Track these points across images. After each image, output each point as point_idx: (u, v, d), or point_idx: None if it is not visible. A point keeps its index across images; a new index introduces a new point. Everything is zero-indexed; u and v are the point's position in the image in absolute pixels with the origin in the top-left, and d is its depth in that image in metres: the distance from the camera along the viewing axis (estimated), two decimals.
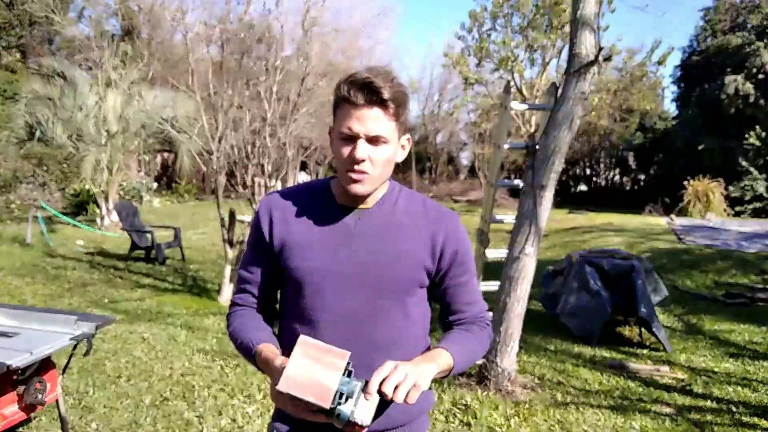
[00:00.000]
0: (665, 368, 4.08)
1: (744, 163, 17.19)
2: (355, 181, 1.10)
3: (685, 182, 15.15)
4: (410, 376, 0.99)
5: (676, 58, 23.09)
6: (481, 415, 3.15)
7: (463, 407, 3.26)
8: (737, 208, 16.22)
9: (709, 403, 3.49)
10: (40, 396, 2.34)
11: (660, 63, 12.22)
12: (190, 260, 8.32)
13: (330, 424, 0.99)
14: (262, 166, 6.01)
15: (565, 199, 19.65)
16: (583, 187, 25.72)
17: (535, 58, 12.09)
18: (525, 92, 11.86)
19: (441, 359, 1.11)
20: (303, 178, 18.35)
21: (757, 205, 16.84)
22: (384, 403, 1.02)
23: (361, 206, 1.17)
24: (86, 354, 2.48)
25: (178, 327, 4.73)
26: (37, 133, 10.96)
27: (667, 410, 3.35)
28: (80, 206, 12.73)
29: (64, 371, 2.63)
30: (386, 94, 1.06)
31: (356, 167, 1.09)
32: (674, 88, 22.48)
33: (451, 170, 24.77)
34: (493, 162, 4.26)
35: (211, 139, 5.90)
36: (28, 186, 12.95)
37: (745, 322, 5.44)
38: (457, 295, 1.23)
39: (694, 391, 3.69)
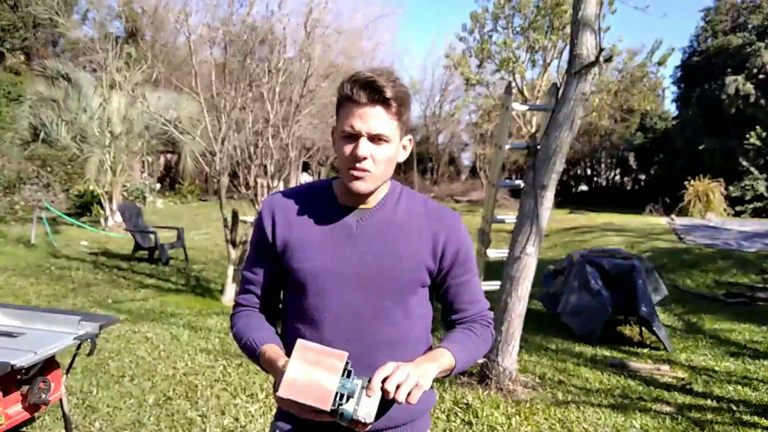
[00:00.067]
0: (666, 367, 4.09)
1: (744, 163, 17.18)
2: (357, 179, 1.11)
3: (686, 182, 15.15)
4: (412, 376, 1.00)
5: (676, 59, 23.10)
6: (482, 414, 3.16)
7: (465, 406, 3.28)
8: (737, 208, 16.22)
9: (709, 401, 3.50)
10: (44, 396, 2.34)
11: (660, 63, 12.24)
12: (193, 261, 8.36)
13: (333, 423, 1.01)
14: (265, 166, 6.04)
15: (566, 199, 19.65)
16: (583, 187, 25.73)
17: (536, 59, 12.12)
18: (526, 93, 11.89)
19: (443, 359, 1.12)
20: (305, 178, 18.39)
21: (758, 204, 16.85)
22: (386, 403, 1.03)
23: (363, 206, 1.18)
24: (90, 354, 2.48)
25: (181, 327, 4.75)
26: (42, 135, 11.02)
27: (668, 409, 3.36)
28: (84, 207, 12.79)
29: (67, 371, 2.64)
30: (389, 93, 1.08)
31: (358, 165, 1.10)
32: (674, 88, 22.54)
33: (453, 171, 24.77)
34: (495, 162, 4.27)
35: (214, 140, 5.93)
36: (32, 187, 13.03)
37: (746, 322, 5.44)
38: (459, 295, 1.23)
39: (694, 389, 3.69)
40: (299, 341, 1.02)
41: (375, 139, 1.10)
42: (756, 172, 17.14)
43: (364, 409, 0.98)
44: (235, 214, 6.11)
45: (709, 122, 18.29)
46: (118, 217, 10.73)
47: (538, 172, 3.49)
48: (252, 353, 1.17)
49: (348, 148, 1.11)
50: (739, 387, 3.75)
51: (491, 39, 11.92)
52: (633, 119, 20.60)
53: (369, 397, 0.99)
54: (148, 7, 17.52)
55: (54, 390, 2.44)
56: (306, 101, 6.28)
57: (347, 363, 1.00)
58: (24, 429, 2.75)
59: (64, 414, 2.58)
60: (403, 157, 1.20)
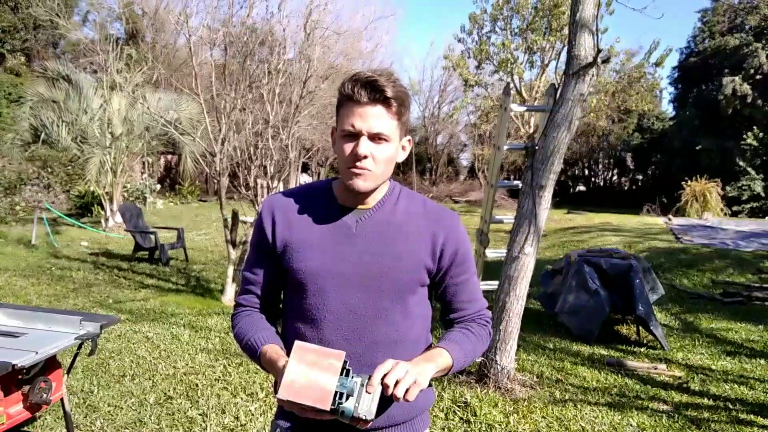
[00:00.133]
0: (662, 366, 4.10)
1: (741, 164, 17.26)
2: (357, 177, 1.12)
3: (683, 182, 15.19)
4: (411, 373, 1.01)
5: (673, 60, 23.22)
6: (480, 413, 3.18)
7: (463, 404, 3.29)
8: (734, 208, 16.29)
9: (706, 400, 3.51)
10: (45, 395, 2.34)
11: (658, 64, 12.31)
12: (193, 261, 8.39)
13: (332, 421, 1.02)
14: (265, 167, 6.06)
15: (563, 199, 19.70)
16: (581, 188, 25.80)
17: (534, 60, 12.19)
18: (524, 94, 11.94)
19: (440, 358, 1.13)
20: (305, 179, 18.42)
21: (755, 204, 16.93)
22: (386, 402, 1.04)
23: (362, 207, 1.19)
24: (91, 353, 2.49)
25: (182, 327, 4.77)
26: (42, 136, 11.05)
27: (665, 407, 3.37)
28: (85, 208, 12.82)
29: (68, 371, 2.65)
30: (389, 93, 1.09)
31: (358, 164, 1.11)
32: (672, 89, 22.64)
33: (451, 171, 24.80)
34: (493, 163, 4.30)
35: (214, 141, 5.96)
36: (32, 188, 13.06)
37: (742, 321, 5.46)
38: (457, 294, 1.24)
39: (691, 388, 3.71)
40: (297, 343, 1.04)
41: (375, 138, 1.11)
42: (753, 173, 17.22)
43: (365, 406, 0.99)
44: (235, 215, 6.13)
45: (706, 123, 18.37)
46: (119, 218, 10.76)
47: (536, 172, 3.51)
48: (253, 353, 1.18)
49: (348, 147, 1.11)
50: (736, 386, 3.77)
51: (490, 40, 11.98)
52: (630, 120, 20.67)
53: (369, 393, 1.00)
54: (149, 8, 17.56)
55: (55, 390, 2.44)
56: (305, 102, 6.30)
57: (345, 362, 1.01)
58: (25, 428, 2.77)
59: (65, 413, 2.58)
60: (402, 157, 1.21)
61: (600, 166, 26.03)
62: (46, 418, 2.91)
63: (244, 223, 6.30)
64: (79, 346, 2.49)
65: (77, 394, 3.24)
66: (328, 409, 0.97)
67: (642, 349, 4.58)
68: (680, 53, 21.54)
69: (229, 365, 3.85)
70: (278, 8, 6.24)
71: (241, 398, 3.31)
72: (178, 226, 9.45)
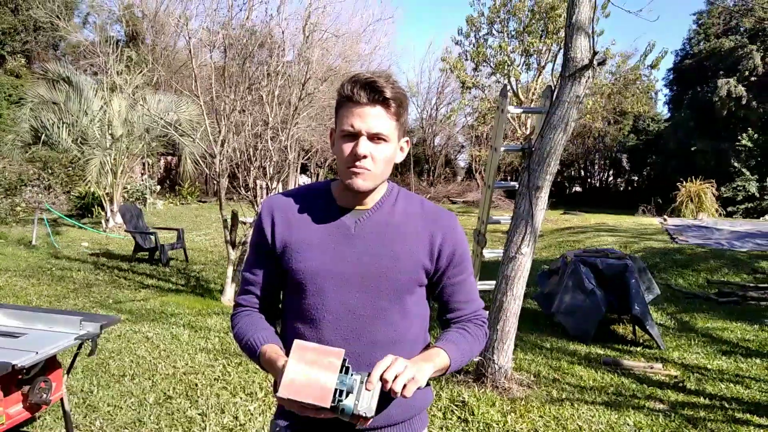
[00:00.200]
0: (659, 365, 4.12)
1: (736, 165, 17.35)
2: (356, 176, 1.13)
3: (678, 183, 15.24)
4: (409, 369, 1.03)
5: (669, 62, 23.29)
6: (478, 412, 3.19)
7: (461, 404, 3.31)
8: (729, 209, 16.35)
9: (702, 399, 3.53)
10: (44, 395, 2.35)
11: (653, 66, 12.37)
12: (193, 261, 8.41)
13: (331, 420, 1.03)
14: (264, 168, 6.09)
15: (560, 199, 19.75)
16: (577, 188, 25.87)
17: (530, 63, 12.24)
18: (521, 96, 12.00)
19: (438, 358, 1.14)
20: (304, 180, 18.46)
21: (749, 205, 17.02)
22: (385, 400, 1.05)
23: (361, 207, 1.20)
24: (91, 354, 2.50)
25: (182, 327, 4.78)
26: (43, 137, 11.09)
27: (661, 406, 3.39)
28: (85, 209, 12.84)
29: (68, 371, 2.66)
30: (388, 93, 1.10)
31: (358, 163, 1.11)
32: (667, 91, 22.75)
33: (449, 172, 24.82)
34: (490, 164, 4.32)
35: (213, 143, 5.98)
36: (33, 189, 13.09)
37: (737, 320, 5.49)
38: (454, 294, 1.25)
39: (687, 387, 3.73)
40: (296, 341, 1.05)
41: (374, 138, 1.12)
42: (747, 173, 17.31)
43: (364, 403, 1.00)
44: (234, 216, 6.16)
45: (701, 124, 18.46)
46: (119, 219, 10.79)
47: (532, 173, 3.54)
48: (252, 353, 1.18)
49: (348, 147, 1.12)
50: (731, 385, 3.79)
51: (487, 43, 12.05)
52: (626, 121, 20.75)
53: (368, 390, 1.01)
54: (149, 11, 17.60)
55: (55, 390, 2.45)
56: (304, 104, 6.33)
57: (345, 360, 1.02)
58: (25, 429, 2.78)
59: (64, 413, 2.59)
60: (400, 158, 1.22)
61: (596, 167, 26.12)
62: (45, 418, 2.92)
63: (244, 223, 6.33)
64: (79, 347, 2.50)
65: (77, 394, 3.25)
66: (328, 406, 0.97)
67: (638, 349, 4.60)
68: (675, 55, 21.67)
69: (228, 365, 3.86)
70: (277, 11, 6.29)
71: (241, 398, 3.33)
72: (178, 226, 9.48)
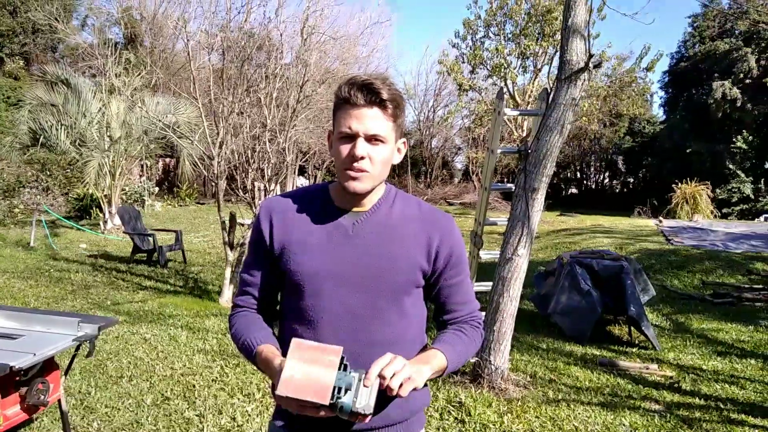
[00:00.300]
0: (654, 366, 4.14)
1: (731, 166, 17.44)
2: (354, 179, 1.13)
3: (674, 185, 15.29)
4: (407, 368, 1.04)
5: (664, 64, 23.34)
6: (474, 413, 3.20)
7: (458, 405, 3.32)
8: (724, 210, 16.43)
9: (697, 400, 3.54)
10: (42, 397, 2.35)
11: (649, 69, 12.44)
12: (191, 263, 8.41)
13: (329, 419, 1.03)
14: (262, 170, 6.11)
15: (556, 201, 19.77)
16: (573, 190, 25.93)
17: (527, 65, 12.30)
18: (517, 98, 12.05)
19: (435, 360, 1.15)
20: (301, 182, 18.48)
21: (744, 206, 17.11)
22: (384, 400, 1.06)
23: (359, 209, 1.20)
24: (89, 355, 2.50)
25: (179, 328, 4.79)
26: (41, 139, 11.10)
27: (657, 407, 3.40)
28: (83, 210, 12.85)
29: (66, 372, 2.65)
30: (385, 95, 1.11)
31: (355, 165, 1.12)
32: (662, 93, 22.82)
33: (446, 174, 24.82)
34: (487, 166, 4.34)
35: (212, 145, 6.00)
36: (31, 191, 13.09)
37: (732, 321, 5.51)
38: (451, 296, 1.25)
39: (682, 388, 3.74)
40: (294, 340, 1.05)
41: (372, 139, 1.12)
42: (742, 175, 17.40)
43: (363, 400, 1.00)
44: (232, 217, 6.17)
45: (696, 126, 18.56)
46: (117, 220, 10.79)
47: (529, 175, 3.56)
48: (249, 353, 1.19)
49: (345, 149, 1.13)
50: (727, 385, 3.81)
51: (483, 45, 12.11)
52: (622, 123, 20.83)
53: (366, 387, 1.01)
54: (147, 13, 17.62)
55: (53, 391, 2.45)
56: (302, 106, 6.35)
57: (343, 357, 1.03)
58: (22, 430, 2.77)
59: (62, 415, 2.59)
60: (398, 159, 1.23)
61: (592, 169, 26.20)
62: (43, 420, 2.92)
63: (242, 225, 6.34)
64: (77, 348, 2.50)
65: (75, 396, 3.25)
66: (327, 403, 0.97)
67: (634, 350, 4.62)
68: (671, 58, 21.76)
69: (226, 366, 3.87)
70: (275, 14, 6.32)
71: (238, 399, 3.33)
72: (176, 228, 9.48)
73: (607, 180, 26.07)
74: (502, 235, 3.77)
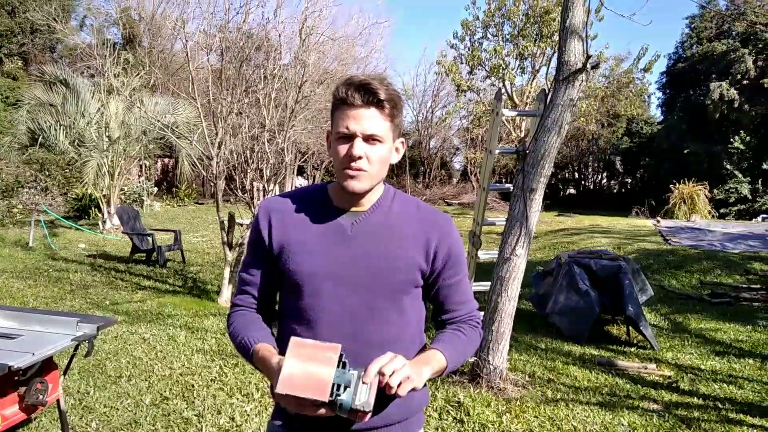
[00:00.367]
0: (652, 366, 4.15)
1: (729, 167, 17.49)
2: (352, 178, 1.14)
3: (671, 185, 15.32)
4: (407, 367, 1.04)
5: (662, 65, 23.41)
6: (473, 412, 3.20)
7: (456, 404, 3.32)
8: (722, 210, 16.46)
9: (695, 399, 3.55)
10: (41, 397, 2.34)
11: (646, 70, 12.44)
12: (190, 262, 8.41)
13: (328, 419, 1.03)
14: (261, 170, 6.11)
15: (554, 202, 19.81)
16: (571, 191, 25.99)
17: (525, 66, 12.32)
18: (515, 99, 12.06)
19: (435, 361, 1.15)
20: (300, 182, 18.49)
21: (741, 207, 17.16)
22: (383, 400, 1.06)
23: (358, 209, 1.20)
24: (87, 355, 2.50)
25: (178, 328, 4.79)
26: (40, 139, 11.09)
27: (655, 407, 3.41)
28: (82, 210, 12.84)
29: (65, 372, 2.65)
30: (382, 95, 1.12)
31: (353, 164, 1.12)
32: (660, 94, 22.88)
33: (444, 174, 24.84)
34: (485, 166, 4.35)
35: (210, 145, 6.00)
36: (30, 191, 13.09)
37: (730, 321, 5.52)
38: (449, 295, 1.26)
39: (681, 388, 3.75)
40: (293, 338, 1.06)
41: (369, 139, 1.13)
42: (740, 176, 17.46)
43: (362, 397, 1.00)
44: (231, 217, 6.17)
45: (694, 127, 18.62)
46: (116, 220, 10.79)
47: (527, 175, 3.56)
48: (246, 352, 1.19)
49: (343, 149, 1.13)
50: (725, 385, 3.82)
51: (482, 46, 12.11)
52: (619, 124, 20.89)
53: (365, 384, 1.02)
54: (146, 14, 17.61)
55: (51, 391, 2.44)
56: (301, 107, 6.36)
57: (341, 355, 1.03)
58: (20, 430, 2.77)
59: (60, 414, 2.59)
60: (396, 158, 1.23)
61: (590, 170, 26.27)
62: (41, 420, 2.92)
63: (241, 225, 6.35)
64: (76, 348, 2.49)
65: (73, 395, 3.25)
66: (326, 400, 0.97)
67: (632, 349, 4.62)
68: (668, 59, 21.82)
69: (225, 366, 3.87)
70: (274, 14, 6.32)
71: (237, 399, 3.33)
72: (175, 228, 9.47)
73: (604, 180, 26.15)
74: (501, 235, 3.77)
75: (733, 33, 18.94)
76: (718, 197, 16.64)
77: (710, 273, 7.57)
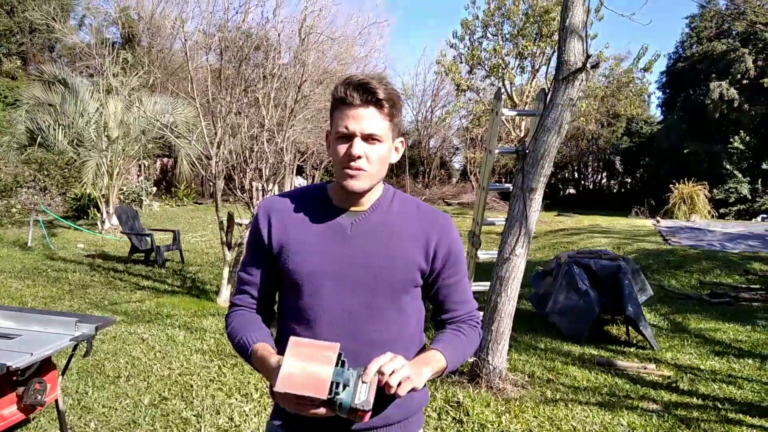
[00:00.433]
0: (652, 366, 4.15)
1: (728, 167, 17.52)
2: (352, 177, 1.14)
3: (671, 185, 15.33)
4: (407, 368, 1.04)
5: (662, 65, 23.48)
6: (473, 412, 3.20)
7: (456, 404, 3.32)
8: (721, 210, 16.49)
9: (695, 399, 3.55)
10: (39, 397, 2.34)
11: (646, 69, 12.45)
12: (189, 262, 8.40)
13: (327, 419, 1.03)
14: (260, 170, 6.11)
15: (554, 201, 19.84)
16: (571, 190, 26.03)
17: (525, 66, 12.33)
18: (515, 98, 12.07)
19: (435, 361, 1.15)
20: (299, 182, 18.48)
21: (741, 207, 17.20)
22: (383, 401, 1.06)
23: (357, 208, 1.20)
24: (86, 355, 2.50)
25: (177, 328, 4.78)
26: (39, 139, 11.08)
27: (654, 407, 3.41)
28: (81, 210, 12.83)
29: (63, 372, 2.65)
30: (381, 94, 1.11)
31: (353, 164, 1.13)
32: (660, 93, 22.95)
33: (444, 174, 24.86)
34: (485, 166, 4.35)
35: (209, 145, 6.00)
36: (29, 190, 13.08)
37: (730, 321, 5.53)
38: (449, 295, 1.26)
39: (680, 388, 3.75)
40: (292, 338, 1.06)
41: (368, 138, 1.13)
42: (739, 176, 17.48)
43: (362, 396, 1.00)
44: (230, 217, 6.16)
45: (693, 127, 18.65)
46: (115, 220, 10.78)
47: (526, 175, 3.56)
48: (244, 351, 1.19)
49: (342, 148, 1.14)
50: (724, 385, 3.82)
51: (481, 46, 12.13)
52: (619, 124, 20.92)
53: (365, 383, 1.01)
54: (145, 13, 17.60)
55: (50, 391, 2.44)
56: (300, 106, 6.36)
57: (340, 354, 1.03)
58: (19, 430, 2.77)
59: (59, 415, 2.58)
60: (395, 158, 1.23)
61: (589, 170, 26.32)
62: (40, 420, 2.91)
63: (240, 225, 6.34)
64: (74, 348, 2.49)
65: (72, 396, 3.24)
66: (324, 397, 0.97)
67: (632, 349, 4.62)
68: (668, 58, 21.87)
69: (224, 366, 3.86)
70: (273, 14, 6.32)
71: (236, 399, 3.33)
72: (174, 228, 9.46)
73: (604, 180, 26.21)
74: (500, 235, 3.77)
75: (733, 32, 18.98)
76: (717, 197, 16.68)
77: (710, 273, 7.57)
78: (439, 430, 3.04)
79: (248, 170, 6.04)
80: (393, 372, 1.02)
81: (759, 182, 17.60)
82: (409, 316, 1.23)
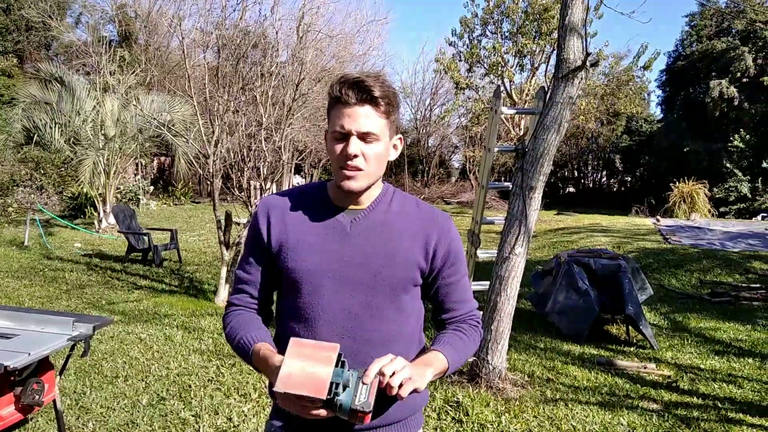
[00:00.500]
0: (652, 365, 4.14)
1: (728, 165, 17.56)
2: (349, 177, 1.13)
3: (671, 184, 15.37)
4: (408, 369, 1.03)
5: (661, 63, 23.61)
6: (472, 412, 3.19)
7: (455, 404, 3.31)
8: (721, 209, 16.53)
9: (695, 399, 3.55)
10: (37, 397, 2.34)
11: (646, 68, 12.50)
12: (186, 262, 8.38)
13: (327, 420, 1.02)
14: (258, 169, 6.09)
15: (553, 200, 19.87)
16: (571, 189, 26.08)
17: (524, 64, 12.37)
18: (515, 96, 12.09)
19: (437, 363, 1.14)
20: (298, 181, 18.45)
21: (741, 205, 17.24)
22: (384, 402, 1.05)
23: (356, 207, 1.20)
24: (83, 355, 2.49)
25: (175, 328, 4.77)
26: (35, 138, 11.02)
27: (655, 406, 3.41)
28: (78, 209, 12.79)
29: (61, 372, 2.64)
30: (377, 92, 1.11)
31: (349, 163, 1.12)
32: (660, 92, 23.04)
33: (443, 173, 24.89)
34: (484, 165, 4.33)
35: (207, 143, 5.97)
36: (25, 189, 13.02)
37: (730, 320, 5.53)
38: (449, 294, 1.25)
39: (680, 387, 3.75)
40: (292, 339, 1.05)
41: (365, 137, 1.12)
42: (739, 174, 17.51)
43: (362, 397, 0.99)
44: (228, 216, 6.14)
45: (693, 125, 18.68)
46: (112, 219, 10.74)
47: (526, 174, 3.55)
48: (245, 352, 1.17)
49: (339, 148, 1.13)
50: (724, 384, 3.82)
51: (480, 44, 12.15)
52: (619, 122, 20.97)
53: (365, 384, 1.00)
54: (142, 11, 17.53)
55: (47, 391, 2.43)
56: (298, 104, 6.34)
57: (340, 354, 1.02)
58: (17, 430, 2.76)
59: (57, 415, 2.58)
60: (393, 155, 1.23)
61: (589, 168, 26.37)
62: (38, 420, 2.90)
63: (237, 224, 6.32)
64: (72, 348, 2.49)
65: (69, 396, 3.23)
66: (324, 397, 0.96)
67: (631, 349, 4.63)
68: (668, 57, 21.94)
69: (222, 366, 3.85)
70: (271, 11, 6.30)
71: (234, 399, 3.32)
72: (172, 227, 9.44)
73: (604, 179, 26.27)
74: (500, 234, 3.76)
75: (733, 31, 19.01)
76: (717, 196, 16.73)
77: (710, 272, 7.58)
78: (438, 430, 3.04)
79: (246, 169, 6.02)
80: (394, 373, 1.01)
81: (759, 181, 17.63)
82: (408, 316, 1.23)
